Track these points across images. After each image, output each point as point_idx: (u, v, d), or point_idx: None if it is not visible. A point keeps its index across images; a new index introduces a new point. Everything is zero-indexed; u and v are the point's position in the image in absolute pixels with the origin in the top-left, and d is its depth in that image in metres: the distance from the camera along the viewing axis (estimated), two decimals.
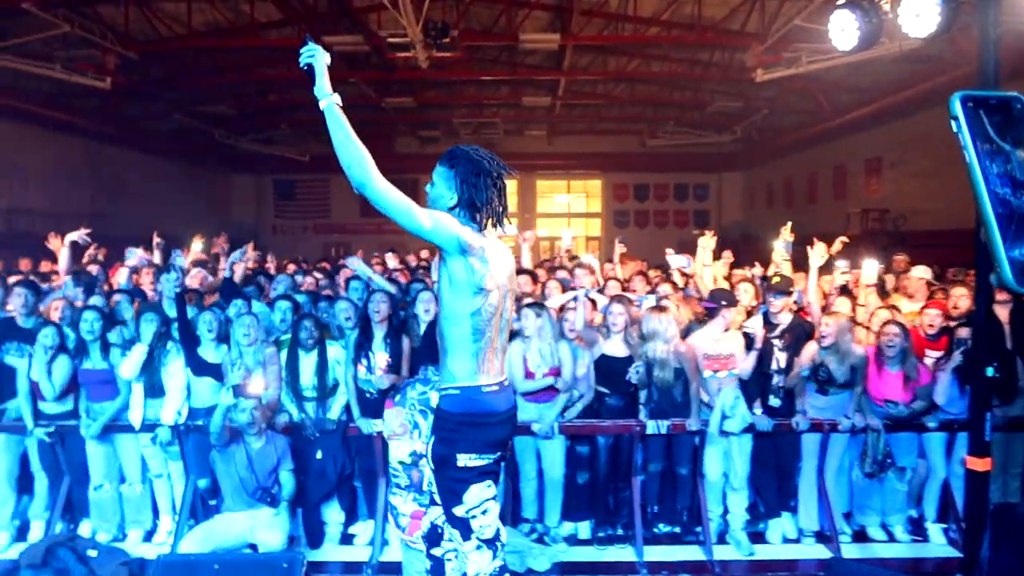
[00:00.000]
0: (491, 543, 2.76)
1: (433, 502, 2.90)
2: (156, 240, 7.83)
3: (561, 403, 5.08)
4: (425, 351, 4.60)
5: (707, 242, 6.67)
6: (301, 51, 2.50)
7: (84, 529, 5.29)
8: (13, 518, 5.27)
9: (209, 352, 5.13)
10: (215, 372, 5.07)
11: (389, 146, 25.45)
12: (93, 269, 6.81)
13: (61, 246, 6.96)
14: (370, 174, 2.42)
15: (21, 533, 5.25)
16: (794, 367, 5.20)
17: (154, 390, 5.12)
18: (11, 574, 4.59)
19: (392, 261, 9.28)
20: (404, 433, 3.10)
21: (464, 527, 2.73)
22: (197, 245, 7.75)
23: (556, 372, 5.07)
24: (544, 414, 5.04)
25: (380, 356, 5.12)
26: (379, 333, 5.18)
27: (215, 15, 13.67)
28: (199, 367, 5.09)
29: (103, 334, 5.16)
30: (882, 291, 6.66)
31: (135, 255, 7.35)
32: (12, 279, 6.55)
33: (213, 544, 4.45)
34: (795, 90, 16.34)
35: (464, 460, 2.68)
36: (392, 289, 5.89)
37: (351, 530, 5.30)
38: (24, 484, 5.35)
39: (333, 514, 5.27)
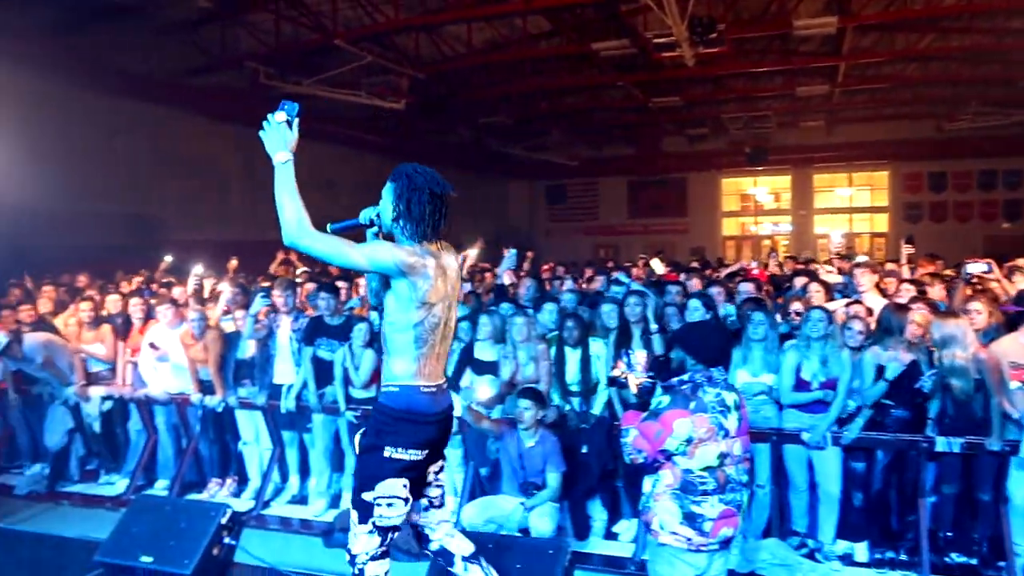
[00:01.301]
0: (384, 531, 2.91)
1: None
2: None
3: (835, 412, 4.79)
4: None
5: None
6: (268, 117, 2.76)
7: None
8: (328, 487, 6.11)
9: (486, 351, 5.53)
10: (492, 369, 5.45)
11: (656, 146, 25.35)
12: None
13: None
14: (304, 232, 2.65)
15: (335, 501, 6.05)
16: None
17: None
18: (327, 534, 5.35)
19: (660, 267, 9.18)
20: (711, 437, 3.14)
21: (366, 511, 2.89)
22: (473, 252, 8.36)
23: (833, 384, 4.81)
24: (817, 423, 4.80)
25: (639, 355, 5.17)
26: (636, 333, 5.38)
27: (492, 32, 14.62)
28: (477, 366, 5.50)
29: None
30: None
31: None
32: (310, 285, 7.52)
33: (490, 514, 4.85)
34: None
35: (389, 452, 2.85)
36: (648, 292, 5.96)
37: (615, 528, 5.42)
38: (337, 459, 6.17)
39: (598, 510, 5.45)
